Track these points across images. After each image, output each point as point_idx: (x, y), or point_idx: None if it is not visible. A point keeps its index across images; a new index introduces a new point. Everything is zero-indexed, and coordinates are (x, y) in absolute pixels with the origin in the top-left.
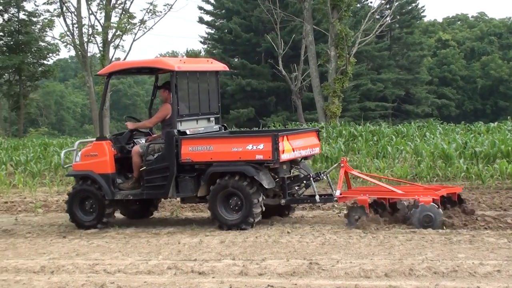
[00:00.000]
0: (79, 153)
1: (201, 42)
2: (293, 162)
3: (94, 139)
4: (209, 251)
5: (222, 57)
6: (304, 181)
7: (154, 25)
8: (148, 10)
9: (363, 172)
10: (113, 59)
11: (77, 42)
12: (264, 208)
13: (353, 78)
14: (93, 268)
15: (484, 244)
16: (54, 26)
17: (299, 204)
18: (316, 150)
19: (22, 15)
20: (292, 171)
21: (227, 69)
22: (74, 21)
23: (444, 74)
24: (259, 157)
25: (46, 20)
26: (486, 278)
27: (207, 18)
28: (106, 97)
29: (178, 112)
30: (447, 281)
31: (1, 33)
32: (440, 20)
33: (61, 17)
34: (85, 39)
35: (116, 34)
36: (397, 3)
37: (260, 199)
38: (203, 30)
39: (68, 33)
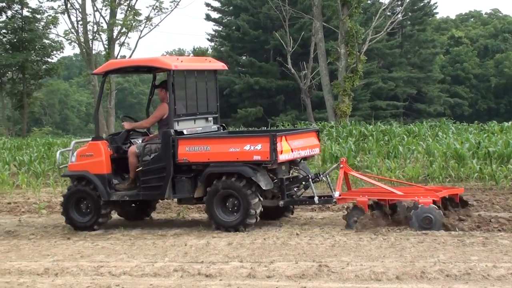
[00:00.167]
0: (75, 153)
1: (208, 39)
2: (292, 163)
3: (90, 139)
4: (216, 253)
5: (229, 55)
6: (303, 182)
7: (160, 22)
8: (154, 7)
9: (362, 173)
10: (119, 57)
11: (82, 39)
12: (262, 209)
13: (363, 76)
14: (98, 271)
15: (498, 247)
16: (58, 23)
17: (297, 205)
18: (316, 151)
19: (25, 12)
20: (291, 172)
21: (226, 68)
22: (79, 18)
23: (457, 72)
24: (256, 157)
25: (50, 17)
26: (499, 281)
27: (215, 15)
28: (112, 96)
29: (175, 112)
30: (459, 284)
31: (4, 31)
32: (452, 17)
33: (66, 14)
34: (90, 37)
35: (122, 31)
36: None
37: (258, 200)
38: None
39: (72, 30)
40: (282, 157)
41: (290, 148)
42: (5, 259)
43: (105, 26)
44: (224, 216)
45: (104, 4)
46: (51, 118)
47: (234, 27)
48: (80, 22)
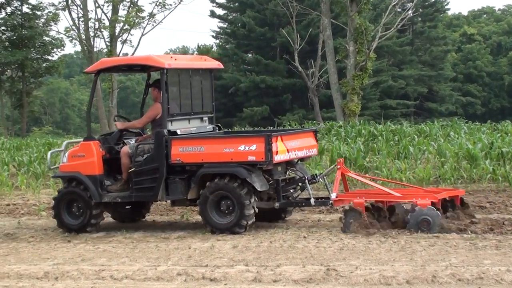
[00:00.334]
0: (66, 154)
1: (213, 36)
2: (288, 164)
3: (82, 139)
4: (221, 257)
5: (235, 53)
6: (299, 184)
7: (163, 19)
8: (158, 3)
9: (360, 174)
10: (121, 55)
11: (83, 36)
12: (257, 210)
13: (373, 74)
14: (99, 274)
15: None
16: (59, 20)
17: (293, 207)
18: (314, 152)
19: (25, 9)
20: (287, 173)
21: (222, 66)
22: (80, 15)
23: (469, 70)
24: (251, 158)
25: (51, 14)
26: None
27: (219, 11)
28: (113, 95)
29: (169, 112)
30: None
31: (4, 28)
32: (465, 13)
33: (66, 11)
34: (92, 34)
35: (124, 28)
36: None
37: (252, 201)
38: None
39: (73, 27)
40: (278, 158)
41: (286, 149)
42: (4, 263)
43: (107, 23)
44: (218, 218)
45: (106, 0)
46: (51, 117)
47: (239, 24)
48: (82, 19)
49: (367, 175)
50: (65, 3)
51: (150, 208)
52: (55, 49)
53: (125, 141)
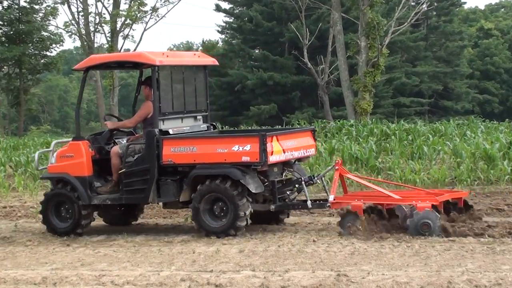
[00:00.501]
0: (55, 154)
1: (218, 31)
2: (285, 165)
3: (71, 138)
4: (227, 261)
5: (241, 48)
6: (296, 185)
7: (167, 13)
8: None
9: (359, 175)
10: (123, 50)
11: (83, 31)
12: (252, 210)
13: (385, 71)
14: (99, 280)
15: None
16: (58, 15)
17: (290, 210)
18: (311, 152)
19: (22, 2)
20: (284, 174)
21: (216, 63)
22: (80, 9)
23: (486, 66)
24: (245, 159)
25: (49, 8)
26: None
27: (225, 5)
28: (114, 92)
29: (160, 110)
30: None
31: (0, 22)
32: (481, 7)
33: (66, 5)
34: (92, 29)
35: (126, 23)
36: None
37: (247, 203)
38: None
39: (73, 22)
40: (273, 159)
41: (282, 149)
42: (0, 267)
43: (107, 17)
44: (211, 221)
45: None
46: (49, 116)
47: (246, 18)
48: (81, 13)
49: (369, 176)
50: None
51: (143, 209)
52: (53, 45)
53: (117, 141)
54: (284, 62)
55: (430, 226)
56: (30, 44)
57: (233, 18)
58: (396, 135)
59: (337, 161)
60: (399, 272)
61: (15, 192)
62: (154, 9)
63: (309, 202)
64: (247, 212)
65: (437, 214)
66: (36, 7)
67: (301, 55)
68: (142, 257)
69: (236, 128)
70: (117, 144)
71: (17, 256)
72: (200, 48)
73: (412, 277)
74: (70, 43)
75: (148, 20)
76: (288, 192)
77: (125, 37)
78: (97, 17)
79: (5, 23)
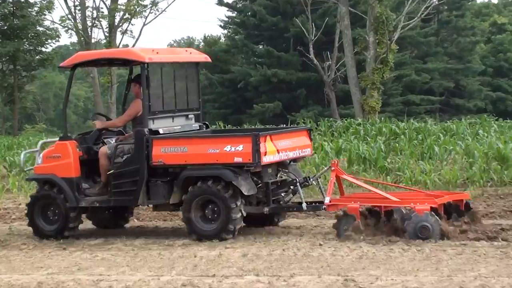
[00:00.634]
0: (41, 155)
1: (220, 26)
2: (280, 165)
3: (58, 138)
4: (230, 266)
5: (244, 44)
6: (291, 186)
7: (167, 7)
8: None
9: (356, 177)
10: (121, 46)
11: (80, 26)
12: (244, 214)
13: (394, 67)
14: (97, 285)
15: None
16: (54, 9)
17: (284, 212)
18: (307, 152)
19: None
20: (279, 175)
21: (209, 60)
22: (77, 3)
23: (499, 63)
24: (237, 159)
25: (45, 2)
26: None
27: None
28: (113, 90)
29: (150, 109)
30: None
31: None
32: (495, 1)
33: None
34: (89, 24)
35: (124, 17)
36: None
37: (239, 205)
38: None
39: (69, 16)
40: (266, 159)
41: (276, 149)
42: None
43: (105, 11)
44: (203, 224)
45: None
46: (45, 114)
47: (249, 13)
48: (78, 7)
49: (378, 177)
50: None
51: (133, 211)
52: (49, 40)
53: (106, 140)
54: (289, 59)
55: (429, 229)
56: (25, 40)
57: (236, 12)
58: (406, 134)
59: (333, 162)
60: (409, 277)
61: (9, 194)
62: (154, 3)
63: (304, 204)
64: (240, 216)
65: (436, 216)
66: (31, 1)
67: (306, 51)
68: (142, 261)
69: (239, 127)
70: (105, 144)
71: (11, 260)
72: (202, 43)
73: (422, 282)
74: (67, 38)
75: (148, 15)
76: (282, 194)
77: (124, 32)
78: (94, 12)
79: None
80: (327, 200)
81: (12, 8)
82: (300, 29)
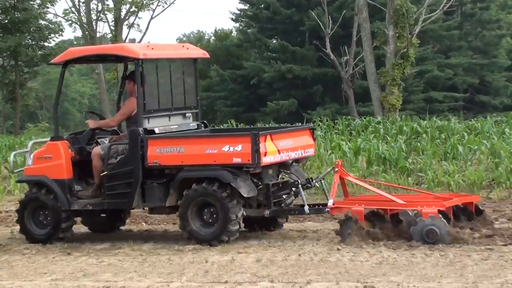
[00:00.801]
0: (32, 155)
1: (232, 19)
2: (282, 166)
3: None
4: (243, 272)
5: (257, 38)
6: (293, 188)
7: None
8: None
9: (361, 178)
10: (128, 40)
11: (84, 20)
12: (244, 213)
13: (416, 63)
14: None
15: None
16: (57, 2)
17: (285, 215)
18: (310, 152)
19: None
20: (280, 176)
21: (207, 56)
22: None
23: None
24: (236, 160)
25: None
26: None
27: None
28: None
29: (145, 107)
30: None
31: None
32: None
33: None
34: (94, 17)
35: (131, 10)
36: None
37: (239, 209)
38: (235, 5)
39: (73, 9)
40: (266, 160)
41: (276, 149)
42: None
43: (111, 4)
44: (200, 228)
45: None
46: (48, 112)
47: (262, 5)
48: (82, 0)
49: (398, 179)
50: None
51: (130, 212)
52: (52, 35)
53: (99, 140)
54: (304, 53)
55: (436, 233)
56: (27, 34)
57: (248, 5)
58: (428, 133)
59: (336, 162)
60: (432, 284)
61: (10, 196)
62: None
63: (306, 207)
64: (239, 220)
65: (444, 221)
66: None
67: (323, 45)
68: (150, 267)
69: (252, 126)
70: (99, 145)
71: (13, 265)
72: (213, 38)
73: None
74: (70, 32)
75: (156, 7)
76: (284, 196)
77: (130, 26)
78: (99, 4)
79: (0, 12)
80: (330, 202)
81: (13, 1)
82: (316, 22)
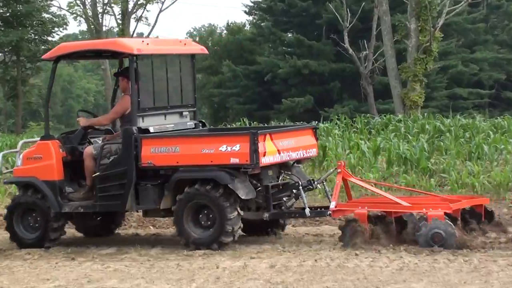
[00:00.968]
0: (21, 156)
1: (245, 12)
2: (282, 167)
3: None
4: (256, 278)
5: (272, 32)
6: (293, 190)
7: None
8: None
9: (364, 180)
10: (135, 34)
11: (90, 13)
12: (242, 214)
13: (439, 58)
14: None
15: None
16: None
17: (286, 218)
18: (312, 152)
19: None
20: (281, 178)
21: (206, 51)
22: None
23: None
24: (234, 160)
25: None
26: None
27: None
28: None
29: (139, 105)
30: None
31: None
32: None
33: None
34: (100, 10)
35: (139, 3)
36: None
37: (236, 212)
38: None
39: (78, 2)
40: (266, 160)
41: (276, 149)
42: None
43: None
44: (196, 231)
45: None
46: (51, 110)
47: None
48: None
49: (420, 180)
50: None
51: (125, 216)
52: (56, 28)
53: (92, 140)
54: (321, 48)
55: (443, 236)
56: (30, 28)
57: None
58: (452, 132)
59: (339, 163)
60: None
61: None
62: None
63: (307, 210)
64: (237, 226)
65: (451, 224)
66: None
67: (341, 39)
68: (158, 273)
69: (265, 124)
70: (91, 144)
71: (14, 271)
72: (225, 31)
73: None
74: (75, 26)
75: (165, 0)
76: (284, 198)
77: (138, 20)
78: None
79: (1, 4)
80: (332, 205)
81: None
82: (334, 15)
